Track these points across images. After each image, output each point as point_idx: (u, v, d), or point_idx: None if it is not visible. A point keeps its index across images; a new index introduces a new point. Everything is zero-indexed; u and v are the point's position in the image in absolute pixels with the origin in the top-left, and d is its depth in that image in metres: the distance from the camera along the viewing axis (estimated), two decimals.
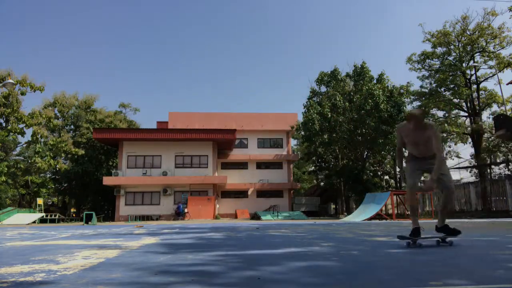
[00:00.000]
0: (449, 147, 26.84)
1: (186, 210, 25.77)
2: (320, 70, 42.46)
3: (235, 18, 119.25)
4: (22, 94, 24.96)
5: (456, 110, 27.07)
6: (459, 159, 51.12)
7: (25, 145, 30.90)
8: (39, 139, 26.05)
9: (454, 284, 1.90)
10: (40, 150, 26.76)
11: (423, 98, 26.86)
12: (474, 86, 25.72)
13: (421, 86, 27.78)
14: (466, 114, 26.30)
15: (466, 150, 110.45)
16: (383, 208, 20.05)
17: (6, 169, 24.18)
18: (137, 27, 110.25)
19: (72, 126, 36.26)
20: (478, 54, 25.56)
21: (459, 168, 32.21)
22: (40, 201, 28.41)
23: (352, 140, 28.64)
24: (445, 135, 25.96)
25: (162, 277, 2.17)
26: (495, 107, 26.90)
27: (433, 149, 3.96)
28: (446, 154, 27.06)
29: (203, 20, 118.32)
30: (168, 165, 28.45)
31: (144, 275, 2.22)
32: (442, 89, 26.47)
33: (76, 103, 36.71)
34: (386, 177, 34.53)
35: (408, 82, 30.62)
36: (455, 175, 56.73)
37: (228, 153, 33.36)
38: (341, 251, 3.42)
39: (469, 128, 25.45)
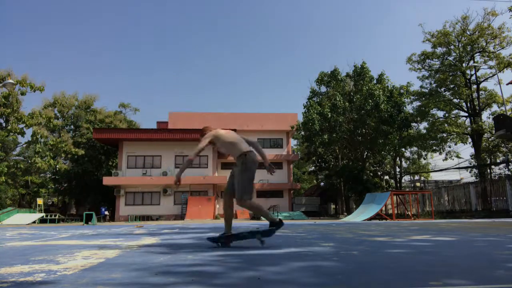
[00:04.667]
0: (449, 147, 26.84)
1: (106, 212, 28.21)
2: (320, 70, 42.44)
3: (236, 18, 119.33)
4: (22, 94, 24.96)
5: (456, 110, 27.07)
6: (459, 159, 51.20)
7: (25, 145, 30.89)
8: (39, 139, 26.05)
9: (454, 284, 1.90)
10: (40, 150, 26.76)
11: (423, 98, 26.87)
12: (474, 86, 25.71)
13: (421, 86, 27.79)
14: (466, 114, 26.29)
15: (466, 150, 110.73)
16: (383, 208, 20.05)
17: (6, 169, 24.19)
18: (137, 27, 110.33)
19: (72, 126, 36.28)
20: (478, 54, 25.55)
21: (459, 168, 32.24)
22: (40, 201, 28.41)
23: (352, 140, 28.65)
24: (445, 135, 25.96)
25: (162, 277, 2.17)
26: (495, 107, 26.92)
27: (233, 152, 4.05)
28: (446, 154, 27.06)
29: (204, 20, 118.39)
30: (168, 165, 28.45)
31: (144, 276, 2.22)
32: (442, 89, 26.46)
33: (76, 103, 36.73)
34: (386, 177, 34.54)
35: (408, 82, 30.64)
36: (455, 175, 56.70)
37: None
38: (341, 251, 3.42)
39: (469, 128, 25.44)
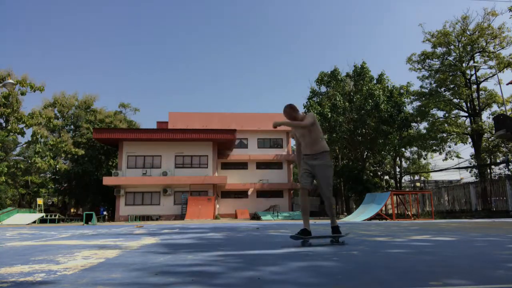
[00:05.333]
0: (449, 147, 26.84)
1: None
2: (320, 70, 42.44)
3: (236, 18, 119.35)
4: (22, 94, 24.95)
5: (456, 110, 27.07)
6: (459, 159, 51.21)
7: (25, 145, 30.87)
8: (39, 139, 26.04)
9: (454, 284, 1.90)
10: (40, 150, 26.74)
11: (423, 98, 26.89)
12: (474, 86, 25.71)
13: (421, 86, 27.80)
14: (466, 114, 26.30)
15: (466, 150, 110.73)
16: (383, 208, 20.04)
17: (6, 169, 24.17)
18: (137, 27, 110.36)
19: (72, 126, 36.24)
20: (478, 54, 25.55)
21: (459, 168, 32.25)
22: (40, 201, 28.40)
23: (352, 140, 28.64)
24: (445, 135, 25.96)
25: (162, 277, 2.17)
26: (495, 107, 26.93)
27: (318, 145, 4.01)
28: (446, 154, 27.05)
29: (204, 20, 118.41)
30: (168, 165, 28.44)
31: (144, 276, 2.22)
32: (442, 89, 26.47)
33: (76, 103, 36.69)
34: (386, 177, 34.54)
35: (408, 82, 30.64)
36: (455, 175, 56.74)
37: (228, 153, 33.36)
38: (341, 251, 3.42)
39: (469, 128, 25.45)
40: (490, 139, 27.10)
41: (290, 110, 4.17)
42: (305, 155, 4.10)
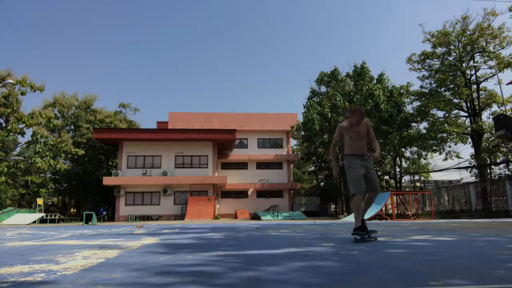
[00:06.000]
0: (449, 147, 26.83)
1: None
2: (320, 70, 42.38)
3: (236, 18, 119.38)
4: (22, 94, 24.95)
5: (456, 110, 27.07)
6: (459, 159, 51.19)
7: (25, 145, 30.87)
8: (39, 139, 26.04)
9: (454, 284, 1.90)
10: (40, 150, 26.74)
11: (423, 98, 26.88)
12: (474, 86, 25.71)
13: (421, 86, 27.79)
14: (466, 114, 26.29)
15: (466, 150, 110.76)
16: (383, 208, 20.03)
17: (6, 169, 24.17)
18: (137, 27, 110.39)
19: (72, 126, 36.25)
20: (478, 54, 25.54)
21: (459, 168, 32.22)
22: (40, 201, 28.40)
23: None
24: (445, 135, 25.95)
25: (162, 277, 2.17)
26: (495, 107, 26.92)
27: (366, 148, 4.44)
28: (446, 154, 27.05)
29: (204, 20, 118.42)
30: (168, 165, 28.45)
31: (144, 276, 2.22)
32: (442, 89, 26.46)
33: (76, 103, 36.71)
34: (386, 177, 34.51)
35: (408, 82, 30.63)
36: (455, 175, 56.68)
37: (228, 153, 33.37)
38: (341, 251, 3.42)
39: (469, 128, 25.44)
40: (490, 139, 27.09)
41: (363, 114, 4.53)
42: (354, 155, 4.42)
